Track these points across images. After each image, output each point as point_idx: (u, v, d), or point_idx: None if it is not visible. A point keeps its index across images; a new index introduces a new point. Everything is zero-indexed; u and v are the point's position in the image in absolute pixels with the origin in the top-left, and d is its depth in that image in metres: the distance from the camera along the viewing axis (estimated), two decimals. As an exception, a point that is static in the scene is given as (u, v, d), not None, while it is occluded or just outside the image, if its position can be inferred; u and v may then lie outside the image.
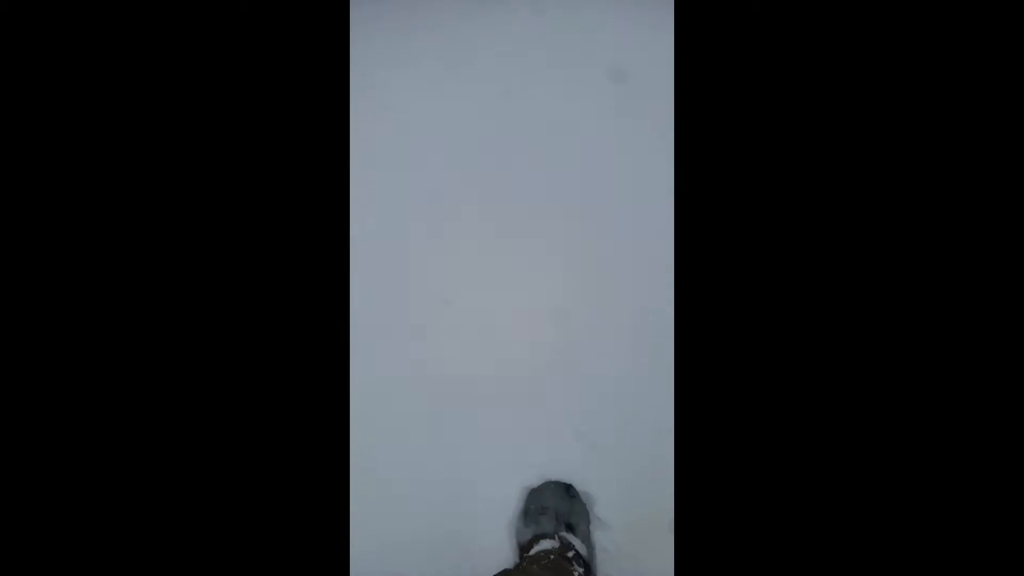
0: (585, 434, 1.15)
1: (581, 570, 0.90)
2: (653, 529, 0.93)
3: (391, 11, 2.04)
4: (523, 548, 0.95)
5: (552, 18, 1.85)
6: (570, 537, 0.98)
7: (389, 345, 1.30)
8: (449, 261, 1.46)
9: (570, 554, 0.93)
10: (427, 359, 1.28)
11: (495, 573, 0.87)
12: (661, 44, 1.70)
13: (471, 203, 1.53)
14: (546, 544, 0.94)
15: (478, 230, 1.51)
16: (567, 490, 1.07)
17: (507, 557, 0.94)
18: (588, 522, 1.05)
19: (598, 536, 1.04)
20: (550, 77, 1.73)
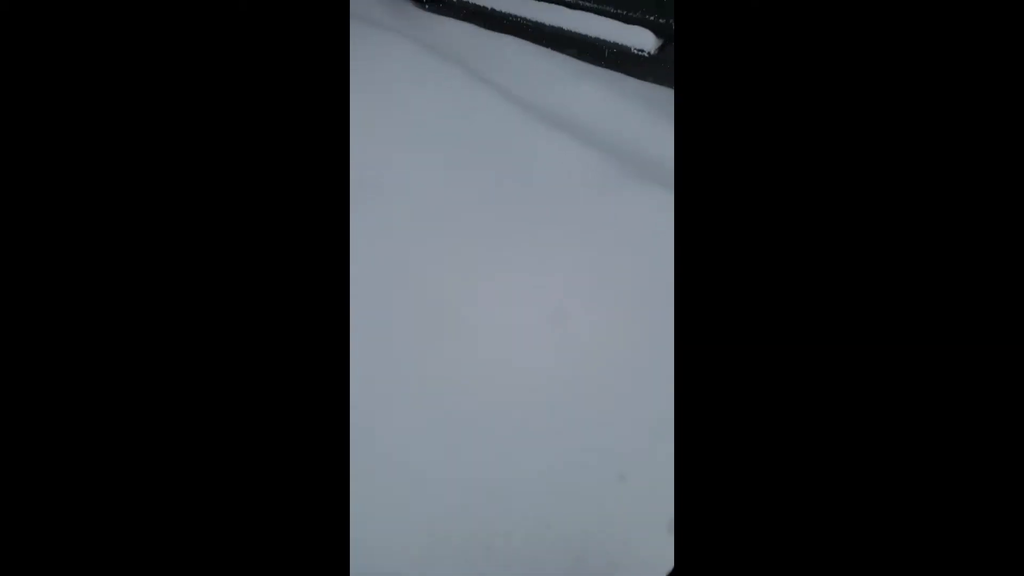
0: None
1: None
2: (653, 529, 0.96)
3: (391, 10, 1.92)
4: None
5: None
6: None
7: (389, 345, 1.28)
8: (450, 262, 1.42)
9: None
10: (427, 359, 1.26)
11: None
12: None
13: (472, 204, 1.46)
14: None
15: (479, 231, 1.45)
16: None
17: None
18: None
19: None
20: (552, 78, 1.63)
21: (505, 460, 1.09)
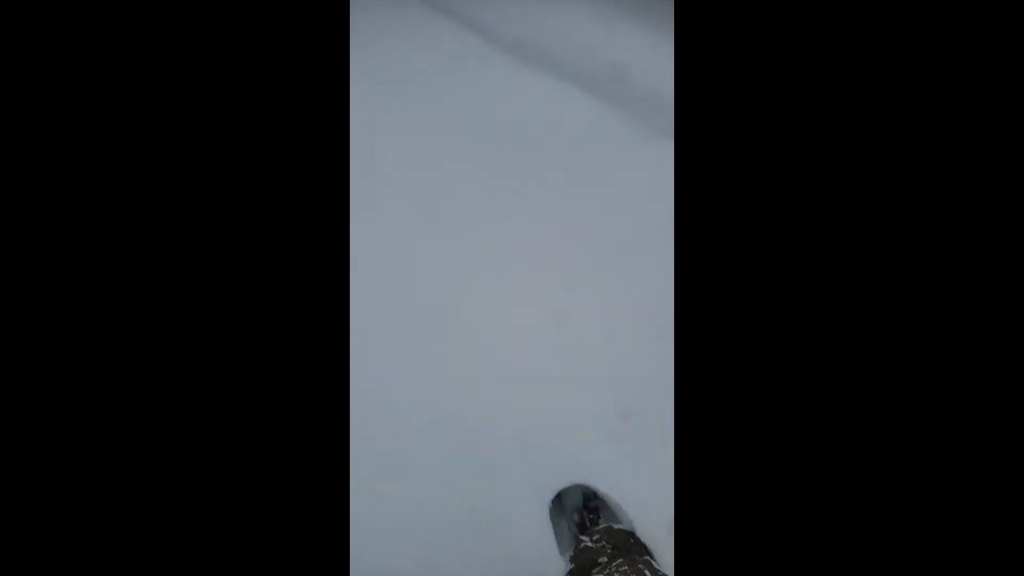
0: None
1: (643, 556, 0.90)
2: (653, 529, 0.95)
3: (391, 11, 1.83)
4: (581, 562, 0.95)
5: (554, 19, 1.69)
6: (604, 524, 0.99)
7: (390, 347, 1.27)
8: (450, 263, 1.40)
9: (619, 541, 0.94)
10: (427, 361, 1.25)
11: None
12: (661, 45, 1.52)
13: (471, 204, 1.42)
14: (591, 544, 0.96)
15: (479, 232, 1.42)
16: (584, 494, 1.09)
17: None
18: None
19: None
20: (551, 77, 1.57)
21: (505, 459, 1.08)
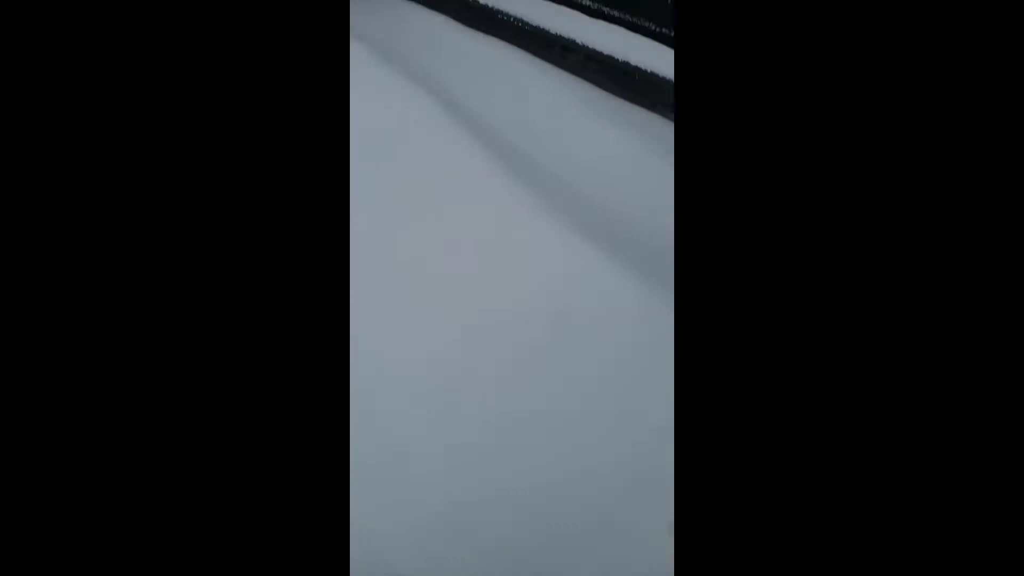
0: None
1: None
2: (653, 529, 0.95)
3: (389, 12, 1.80)
4: None
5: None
6: None
7: (390, 344, 1.27)
8: (450, 262, 1.40)
9: None
10: (428, 360, 1.25)
11: None
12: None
13: (471, 202, 1.41)
14: None
15: (478, 230, 1.40)
16: None
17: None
18: None
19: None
20: (550, 74, 1.52)
21: (505, 458, 1.09)
